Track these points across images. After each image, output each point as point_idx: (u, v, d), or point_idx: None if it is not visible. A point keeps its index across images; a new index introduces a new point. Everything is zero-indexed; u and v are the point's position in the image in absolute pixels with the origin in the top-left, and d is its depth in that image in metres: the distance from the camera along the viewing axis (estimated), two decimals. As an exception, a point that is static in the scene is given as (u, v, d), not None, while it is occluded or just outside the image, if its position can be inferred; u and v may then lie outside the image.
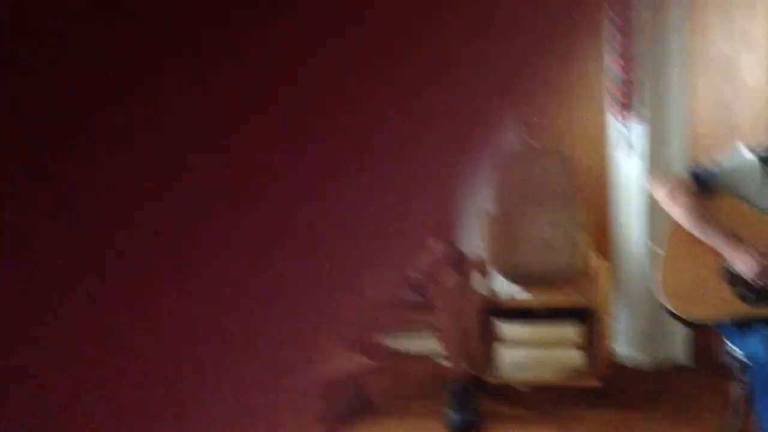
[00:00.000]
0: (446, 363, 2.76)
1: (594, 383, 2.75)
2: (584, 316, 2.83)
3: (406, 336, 3.22)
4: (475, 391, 2.73)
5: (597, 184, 3.26)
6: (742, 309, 2.04)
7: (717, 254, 2.04)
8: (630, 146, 3.09)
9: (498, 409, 2.76)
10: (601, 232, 3.20)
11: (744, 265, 2.00)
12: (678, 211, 2.06)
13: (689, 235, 2.05)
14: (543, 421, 2.66)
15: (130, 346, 0.30)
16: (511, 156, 3.17)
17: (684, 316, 2.08)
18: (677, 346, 3.14)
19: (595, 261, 2.98)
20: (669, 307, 2.08)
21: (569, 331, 2.85)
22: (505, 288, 3.14)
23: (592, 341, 2.82)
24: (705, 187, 2.07)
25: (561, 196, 3.12)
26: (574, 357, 2.84)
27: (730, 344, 2.10)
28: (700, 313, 2.08)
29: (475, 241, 3.30)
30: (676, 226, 2.08)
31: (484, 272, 2.97)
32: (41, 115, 0.25)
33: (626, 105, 3.03)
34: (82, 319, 0.28)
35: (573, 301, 2.84)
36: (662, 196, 2.09)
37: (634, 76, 3.01)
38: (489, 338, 2.94)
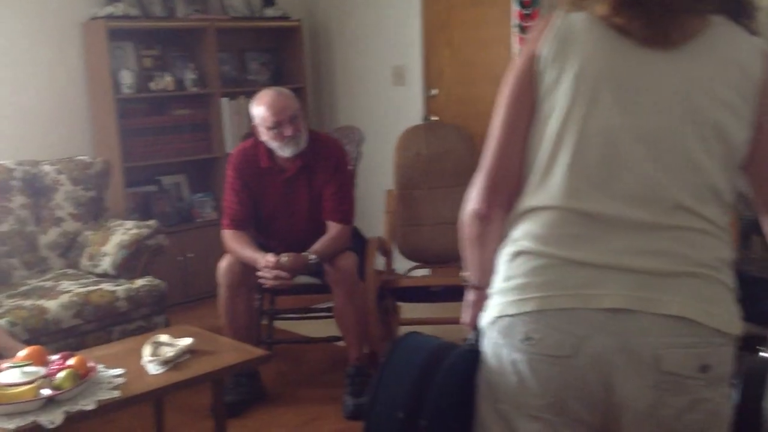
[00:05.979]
0: (344, 346, 2.64)
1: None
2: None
3: (301, 319, 3.10)
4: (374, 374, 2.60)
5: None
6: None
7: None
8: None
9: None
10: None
11: None
12: None
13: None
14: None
15: None
16: (411, 132, 3.07)
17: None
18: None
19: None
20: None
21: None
22: (405, 267, 3.04)
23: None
24: None
25: (463, 173, 3.03)
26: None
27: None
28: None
29: (375, 220, 3.19)
30: None
31: (384, 252, 2.86)
32: None
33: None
34: None
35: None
36: None
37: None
38: (388, 319, 2.84)
